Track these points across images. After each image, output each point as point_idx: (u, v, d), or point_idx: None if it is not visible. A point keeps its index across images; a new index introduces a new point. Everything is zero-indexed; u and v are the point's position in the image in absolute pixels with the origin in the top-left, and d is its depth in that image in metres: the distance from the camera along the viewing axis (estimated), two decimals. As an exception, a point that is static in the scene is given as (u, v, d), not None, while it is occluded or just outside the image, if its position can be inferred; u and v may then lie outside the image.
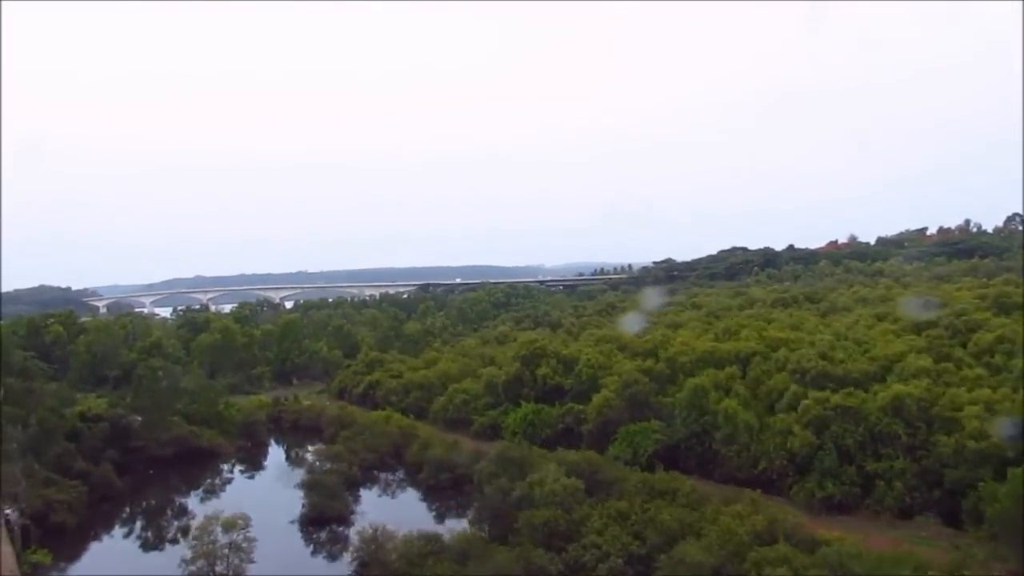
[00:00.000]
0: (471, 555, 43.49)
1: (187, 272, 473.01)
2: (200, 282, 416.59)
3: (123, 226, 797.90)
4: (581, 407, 76.39)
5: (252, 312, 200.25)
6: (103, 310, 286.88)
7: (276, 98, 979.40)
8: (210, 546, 46.51)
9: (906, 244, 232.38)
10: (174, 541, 63.68)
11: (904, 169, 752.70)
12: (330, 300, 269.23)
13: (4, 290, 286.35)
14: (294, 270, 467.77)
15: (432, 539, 45.54)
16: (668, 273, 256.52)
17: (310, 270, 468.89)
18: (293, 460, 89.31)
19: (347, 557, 53.04)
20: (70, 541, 58.72)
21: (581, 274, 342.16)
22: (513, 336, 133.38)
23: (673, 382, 76.84)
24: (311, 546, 58.46)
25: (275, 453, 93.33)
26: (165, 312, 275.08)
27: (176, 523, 67.94)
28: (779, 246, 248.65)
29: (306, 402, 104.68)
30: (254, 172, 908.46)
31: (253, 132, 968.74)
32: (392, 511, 64.68)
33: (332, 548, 57.59)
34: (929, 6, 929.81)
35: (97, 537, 63.79)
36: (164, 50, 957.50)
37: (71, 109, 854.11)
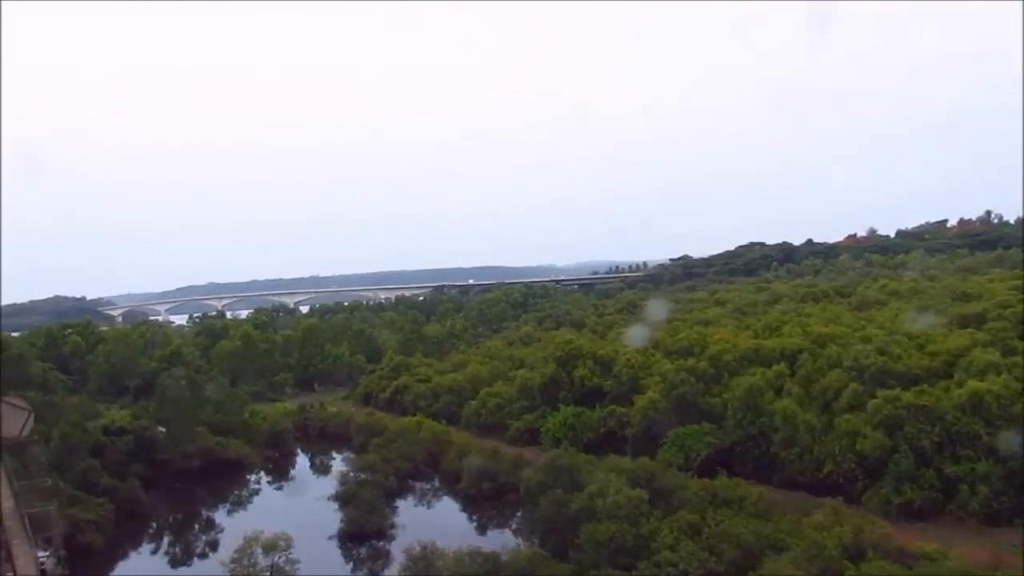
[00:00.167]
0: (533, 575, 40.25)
1: (200, 279, 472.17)
2: (213, 289, 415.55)
3: (135, 235, 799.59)
4: (623, 410, 73.21)
5: (269, 318, 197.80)
6: (118, 319, 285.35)
7: (286, 103, 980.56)
8: (250, 569, 43.41)
9: (927, 237, 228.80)
10: (203, 556, 61.70)
11: (921, 162, 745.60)
12: (346, 304, 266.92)
13: (20, 301, 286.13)
14: (306, 275, 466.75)
15: (488, 558, 42.22)
16: (685, 270, 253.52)
17: (322, 274, 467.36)
18: (319, 468, 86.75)
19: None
20: (97, 562, 55.95)
21: (596, 272, 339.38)
22: (537, 337, 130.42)
23: (718, 381, 73.64)
24: (351, 563, 55.42)
25: (303, 463, 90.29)
26: (180, 319, 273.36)
27: (204, 537, 65.52)
28: (796, 240, 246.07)
29: (332, 409, 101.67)
30: (264, 178, 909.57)
31: (263, 139, 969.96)
32: (431, 523, 61.82)
33: (374, 566, 54.51)
34: (949, 5, 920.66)
35: (125, 556, 61.20)
36: (178, 58, 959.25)
37: (82, 118, 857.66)
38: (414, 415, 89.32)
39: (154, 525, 68.49)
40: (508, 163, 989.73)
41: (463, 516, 66.04)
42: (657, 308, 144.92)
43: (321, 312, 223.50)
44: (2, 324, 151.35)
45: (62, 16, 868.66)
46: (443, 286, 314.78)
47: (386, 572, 52.90)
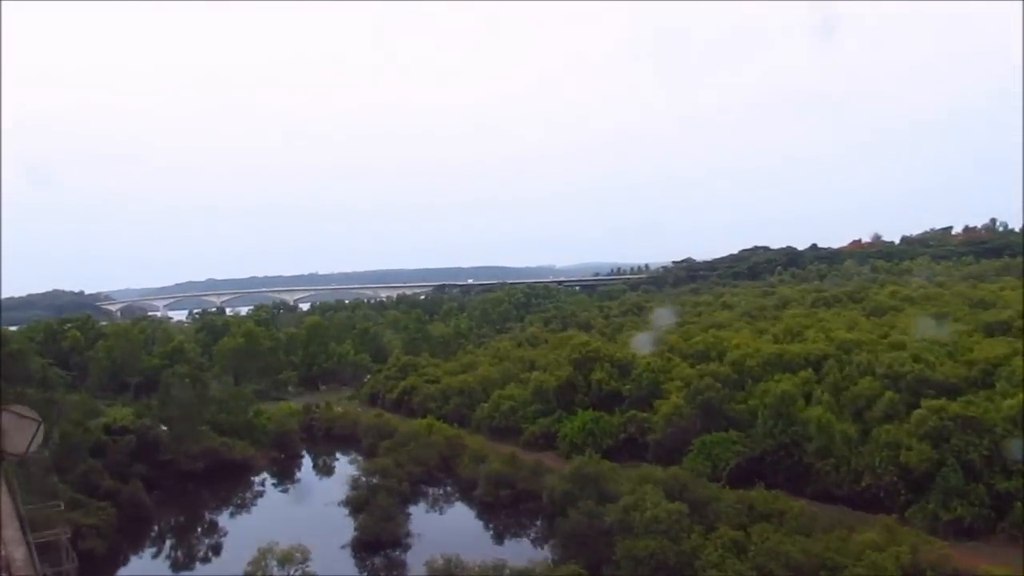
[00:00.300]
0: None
1: (199, 275, 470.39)
2: (212, 285, 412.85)
3: (134, 230, 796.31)
4: (644, 415, 70.74)
5: (270, 315, 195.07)
6: (117, 314, 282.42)
7: (284, 100, 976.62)
8: (265, 582, 40.86)
9: (932, 243, 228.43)
10: (205, 560, 59.41)
11: (925, 168, 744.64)
12: (347, 302, 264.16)
13: (18, 295, 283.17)
14: (305, 272, 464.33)
15: (520, 574, 39.60)
16: (689, 272, 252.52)
17: (321, 272, 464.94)
18: (327, 471, 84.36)
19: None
20: (98, 568, 53.29)
21: (597, 274, 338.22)
22: (544, 338, 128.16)
23: (741, 387, 71.30)
24: (365, 575, 52.87)
25: (309, 464, 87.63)
26: (178, 315, 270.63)
27: (207, 541, 63.28)
28: (798, 245, 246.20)
29: (338, 409, 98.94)
30: (263, 175, 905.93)
31: (263, 136, 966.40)
32: (446, 531, 59.31)
33: (390, 577, 52.00)
34: (951, 6, 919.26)
35: (126, 562, 58.59)
36: (175, 52, 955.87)
37: (81, 111, 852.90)
38: (423, 417, 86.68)
39: (156, 528, 66.04)
40: (508, 163, 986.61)
41: (477, 523, 63.52)
42: (665, 311, 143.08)
43: (322, 310, 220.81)
44: (1, 318, 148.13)
45: (58, 12, 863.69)
46: (444, 285, 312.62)
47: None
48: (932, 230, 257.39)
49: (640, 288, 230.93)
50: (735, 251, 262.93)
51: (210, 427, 78.61)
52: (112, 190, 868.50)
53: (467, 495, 68.51)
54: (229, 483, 75.91)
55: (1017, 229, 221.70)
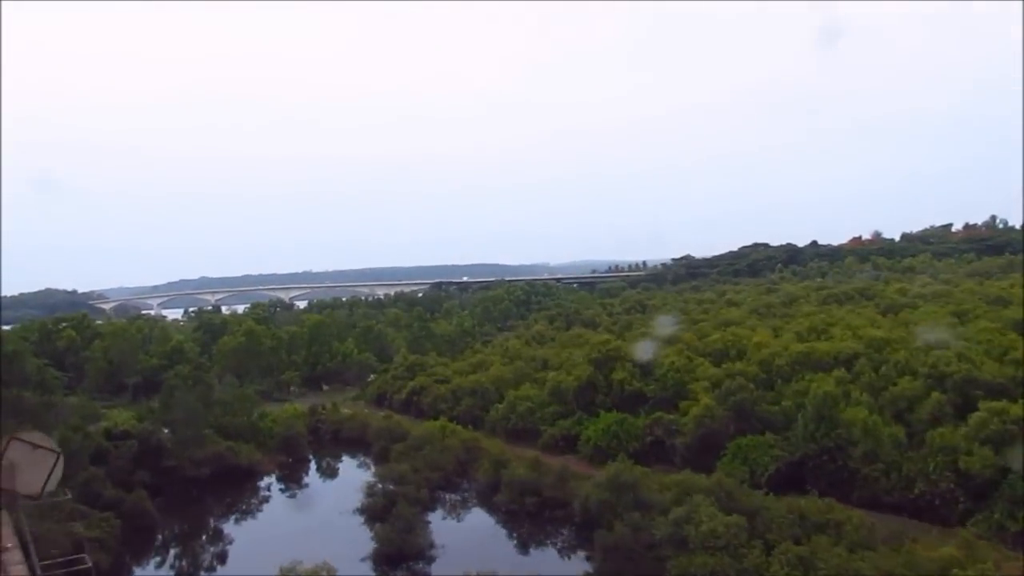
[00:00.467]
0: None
1: (191, 273, 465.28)
2: (206, 283, 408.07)
3: (125, 228, 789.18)
4: (670, 417, 67.76)
5: (268, 313, 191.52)
6: (110, 313, 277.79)
7: (276, 97, 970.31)
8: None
9: (932, 241, 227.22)
10: (210, 569, 56.67)
11: (924, 165, 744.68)
12: (344, 300, 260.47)
13: (10, 294, 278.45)
14: (299, 270, 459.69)
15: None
16: (688, 270, 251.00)
17: (315, 270, 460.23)
18: (337, 476, 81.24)
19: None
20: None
21: (595, 271, 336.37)
22: (551, 336, 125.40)
23: (770, 387, 68.59)
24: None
25: (319, 469, 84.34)
26: (172, 314, 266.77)
27: (216, 551, 60.01)
28: (798, 242, 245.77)
29: (345, 411, 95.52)
30: (255, 173, 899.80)
31: (255, 134, 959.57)
32: (468, 541, 56.22)
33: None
34: (952, 5, 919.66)
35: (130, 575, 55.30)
36: (166, 52, 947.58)
37: (73, 111, 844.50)
38: (434, 419, 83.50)
39: (159, 537, 62.75)
40: (501, 161, 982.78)
41: (500, 532, 60.34)
42: (670, 308, 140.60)
43: (319, 308, 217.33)
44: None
45: (57, 16, 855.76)
46: (441, 283, 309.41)
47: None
48: (932, 227, 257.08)
49: (639, 285, 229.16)
50: (735, 248, 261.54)
51: (214, 431, 75.15)
52: (104, 188, 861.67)
53: (486, 502, 65.50)
54: (235, 490, 72.48)
55: (1018, 226, 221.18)
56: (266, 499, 72.55)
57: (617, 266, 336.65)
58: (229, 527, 65.14)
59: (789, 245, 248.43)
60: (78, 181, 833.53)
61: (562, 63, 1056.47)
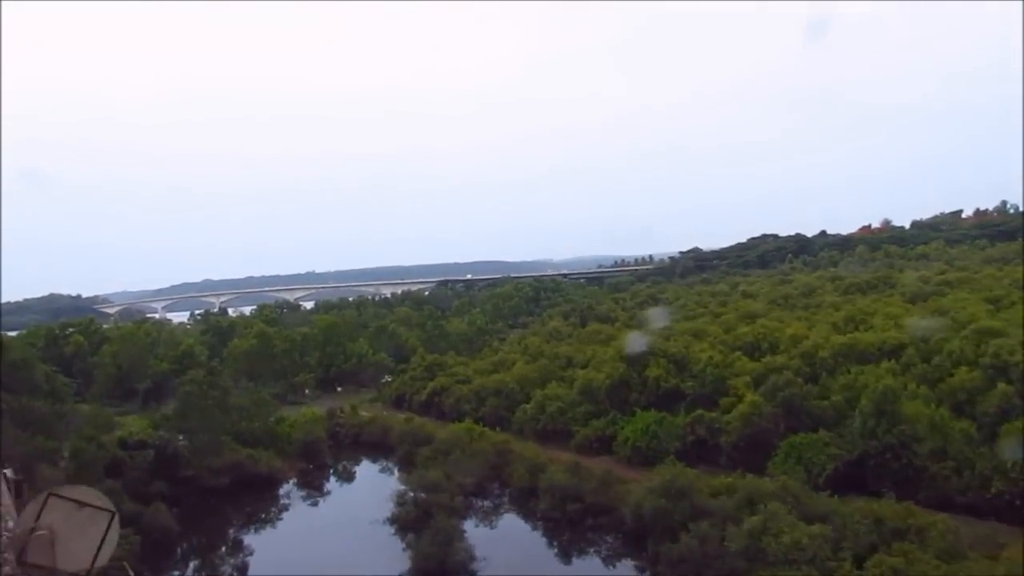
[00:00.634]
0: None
1: (195, 276, 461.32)
2: (209, 285, 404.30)
3: (128, 231, 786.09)
4: (712, 415, 64.44)
5: (276, 314, 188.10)
6: (115, 317, 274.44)
7: (275, 95, 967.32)
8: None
9: (943, 228, 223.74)
10: None
11: (931, 152, 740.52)
12: (351, 299, 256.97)
13: (13, 299, 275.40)
14: (302, 271, 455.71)
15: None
16: (697, 262, 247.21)
17: (318, 270, 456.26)
18: (354, 480, 78.35)
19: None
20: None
21: (600, 266, 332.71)
22: (567, 332, 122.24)
23: (814, 381, 65.27)
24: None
25: (340, 476, 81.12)
26: (177, 317, 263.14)
27: (233, 561, 57.40)
28: (807, 232, 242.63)
29: (364, 414, 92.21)
30: (255, 171, 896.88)
31: (257, 135, 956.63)
32: (509, 552, 52.99)
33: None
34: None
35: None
36: (167, 52, 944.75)
37: (75, 115, 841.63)
38: (458, 420, 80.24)
39: (178, 550, 59.64)
40: (502, 156, 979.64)
41: (540, 541, 57.29)
42: (685, 302, 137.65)
43: (327, 308, 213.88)
44: (1, 324, 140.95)
45: (57, 16, 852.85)
46: (446, 281, 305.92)
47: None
48: (942, 214, 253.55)
49: (648, 279, 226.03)
50: (742, 240, 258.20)
51: (231, 437, 71.94)
52: (105, 191, 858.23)
53: (521, 507, 62.38)
54: (255, 499, 69.36)
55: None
56: (287, 507, 69.53)
57: (623, 260, 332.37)
58: (251, 539, 61.91)
59: (798, 235, 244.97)
60: (79, 185, 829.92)
61: (560, 58, 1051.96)
